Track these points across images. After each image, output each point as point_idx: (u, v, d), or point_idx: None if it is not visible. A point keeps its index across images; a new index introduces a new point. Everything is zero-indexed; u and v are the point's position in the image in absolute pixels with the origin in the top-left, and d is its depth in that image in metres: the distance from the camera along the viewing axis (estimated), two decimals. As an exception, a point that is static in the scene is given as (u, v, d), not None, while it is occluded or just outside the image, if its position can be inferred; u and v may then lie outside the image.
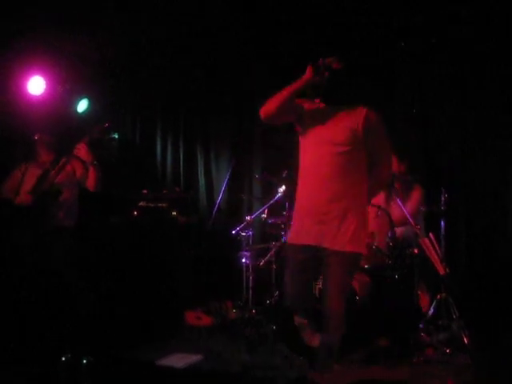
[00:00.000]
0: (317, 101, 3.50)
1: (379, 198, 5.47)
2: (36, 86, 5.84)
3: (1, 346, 4.30)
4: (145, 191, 6.08)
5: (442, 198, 4.84)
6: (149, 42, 6.51)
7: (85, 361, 3.89)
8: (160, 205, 6.07)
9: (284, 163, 5.52)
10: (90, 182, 4.88)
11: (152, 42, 6.52)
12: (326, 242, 3.37)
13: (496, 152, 5.58)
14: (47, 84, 5.88)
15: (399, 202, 4.96)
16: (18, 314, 4.56)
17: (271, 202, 5.56)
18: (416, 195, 5.32)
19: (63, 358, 3.90)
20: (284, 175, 5.53)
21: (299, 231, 3.47)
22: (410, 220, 4.87)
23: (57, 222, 4.76)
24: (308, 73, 3.28)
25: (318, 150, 3.40)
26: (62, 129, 5.47)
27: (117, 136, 6.45)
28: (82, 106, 6.26)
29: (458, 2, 5.39)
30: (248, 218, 5.68)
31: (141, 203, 6.02)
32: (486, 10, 5.28)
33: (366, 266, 4.91)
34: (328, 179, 3.37)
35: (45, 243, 4.69)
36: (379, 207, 4.94)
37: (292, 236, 3.56)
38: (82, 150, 4.76)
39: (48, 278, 4.68)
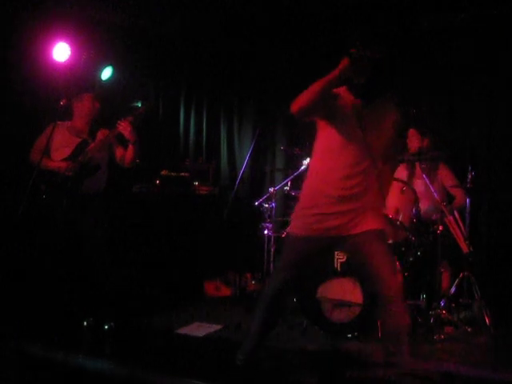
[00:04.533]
0: (342, 89, 3.30)
1: (402, 175, 5.43)
2: (61, 52, 5.82)
3: (25, 309, 4.36)
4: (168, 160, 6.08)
5: (469, 176, 4.77)
6: (174, 10, 6.43)
7: (106, 326, 3.94)
8: (182, 174, 6.07)
9: (309, 135, 5.45)
10: (128, 160, 4.84)
11: (177, 11, 6.44)
12: (353, 230, 3.25)
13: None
14: (72, 50, 5.85)
15: (426, 179, 4.90)
16: (44, 278, 4.62)
17: (295, 173, 5.50)
18: (445, 175, 5.26)
19: (85, 323, 3.96)
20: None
21: (318, 222, 3.29)
22: (437, 197, 4.81)
23: (86, 189, 4.77)
24: (342, 63, 3.05)
25: (353, 145, 3.23)
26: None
27: (140, 105, 6.44)
28: (107, 73, 6.24)
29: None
30: (271, 189, 5.63)
31: (163, 172, 6.02)
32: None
33: (389, 242, 4.88)
34: (356, 176, 3.24)
35: (75, 209, 4.71)
36: (405, 183, 4.88)
37: (303, 227, 3.36)
38: (127, 129, 4.70)
39: (76, 242, 4.71)
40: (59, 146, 4.84)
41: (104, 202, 4.93)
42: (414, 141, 5.33)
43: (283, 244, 3.54)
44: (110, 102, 5.92)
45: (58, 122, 4.85)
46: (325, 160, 3.34)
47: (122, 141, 4.90)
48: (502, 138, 5.57)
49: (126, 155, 4.85)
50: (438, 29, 5.64)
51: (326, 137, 3.34)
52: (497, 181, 5.48)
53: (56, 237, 4.65)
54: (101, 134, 4.94)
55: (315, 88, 3.11)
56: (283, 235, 5.38)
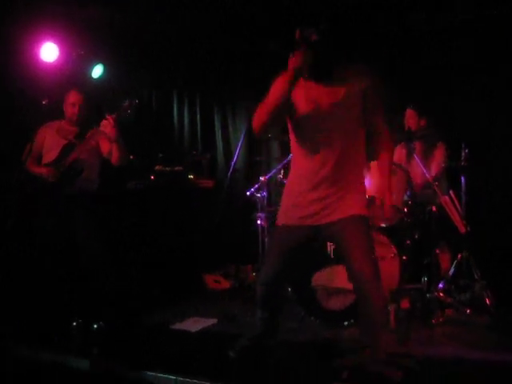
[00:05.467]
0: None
1: (400, 156, 5.33)
2: (49, 52, 5.79)
3: (15, 310, 4.34)
4: (161, 155, 6.02)
5: (463, 154, 4.66)
6: (164, 4, 6.36)
7: (95, 326, 3.91)
8: (176, 168, 6.02)
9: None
10: (114, 159, 4.74)
11: (167, 5, 6.37)
12: (329, 217, 3.19)
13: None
14: (60, 50, 5.82)
15: (418, 160, 4.79)
16: (35, 277, 4.59)
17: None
18: (439, 154, 5.15)
19: (74, 323, 3.93)
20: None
21: (294, 211, 3.28)
22: (428, 177, 4.70)
23: (76, 190, 4.73)
24: (291, 61, 2.98)
25: (318, 128, 3.17)
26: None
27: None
28: (97, 71, 6.21)
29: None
30: (262, 178, 5.54)
31: (157, 167, 5.97)
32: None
33: (383, 225, 4.78)
34: (330, 160, 3.16)
35: (66, 209, 4.67)
36: (396, 165, 4.77)
37: (288, 216, 3.34)
38: (108, 126, 4.60)
39: (67, 241, 4.67)
40: (48, 148, 4.81)
41: (97, 202, 4.89)
42: (410, 120, 5.25)
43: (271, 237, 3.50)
44: (102, 100, 5.90)
45: (48, 123, 4.85)
46: (296, 150, 3.31)
47: None
48: (497, 114, 5.45)
49: (113, 152, 4.75)
50: (438, 29, 5.60)
51: (293, 127, 3.31)
52: (492, 157, 5.35)
53: (46, 239, 4.63)
54: (90, 135, 4.85)
55: (274, 96, 3.06)
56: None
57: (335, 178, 3.19)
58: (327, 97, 3.15)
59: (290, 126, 3.33)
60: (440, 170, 5.13)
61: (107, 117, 4.61)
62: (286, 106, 3.12)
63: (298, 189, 3.28)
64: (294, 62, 2.98)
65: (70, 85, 5.36)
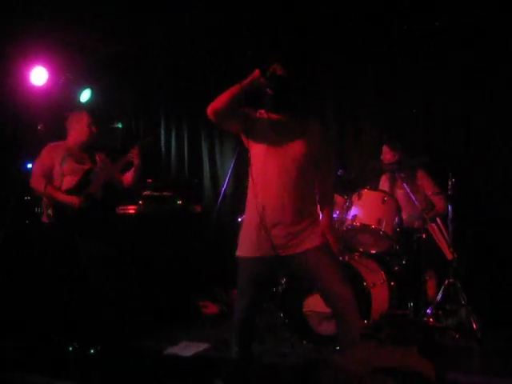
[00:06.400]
0: (262, 111, 3.41)
1: (384, 186, 5.47)
2: (38, 76, 5.83)
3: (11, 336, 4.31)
4: (149, 180, 6.05)
5: (449, 183, 4.80)
6: (153, 32, 6.45)
7: (92, 351, 3.91)
8: (165, 194, 6.06)
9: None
10: (132, 181, 4.98)
11: (156, 32, 6.46)
12: (295, 249, 3.29)
13: (504, 135, 5.52)
14: (50, 74, 5.86)
15: (406, 188, 4.94)
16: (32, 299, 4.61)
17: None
18: (427, 186, 5.30)
19: (71, 348, 3.93)
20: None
21: (257, 243, 3.32)
22: (418, 205, 4.85)
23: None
24: (255, 73, 3.20)
25: (279, 161, 3.28)
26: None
27: (121, 125, 6.45)
28: (85, 95, 6.26)
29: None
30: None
31: (145, 192, 6.00)
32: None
33: (373, 252, 4.90)
34: (291, 190, 3.28)
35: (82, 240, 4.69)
36: (386, 193, 4.92)
37: (249, 249, 3.38)
38: (138, 156, 4.91)
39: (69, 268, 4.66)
40: (64, 173, 4.67)
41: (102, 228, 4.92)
42: (386, 156, 5.44)
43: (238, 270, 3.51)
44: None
45: (52, 145, 4.76)
46: (256, 181, 3.35)
47: None
48: (482, 143, 5.61)
49: (132, 178, 4.96)
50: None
51: (253, 156, 3.38)
52: (479, 186, 5.51)
53: (52, 262, 4.61)
54: (99, 159, 4.88)
55: (228, 93, 3.24)
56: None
57: (296, 210, 3.29)
58: (289, 129, 3.33)
59: (251, 152, 3.41)
60: (428, 203, 5.28)
61: (134, 147, 4.92)
62: (235, 110, 3.29)
63: (259, 220, 3.30)
64: (256, 76, 3.21)
65: (65, 108, 5.39)
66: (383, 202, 4.76)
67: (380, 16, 5.46)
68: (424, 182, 5.31)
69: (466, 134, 5.65)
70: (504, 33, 5.23)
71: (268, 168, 3.31)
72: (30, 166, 5.68)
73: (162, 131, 7.29)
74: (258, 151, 3.36)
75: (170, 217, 6.03)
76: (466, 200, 4.92)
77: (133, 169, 4.93)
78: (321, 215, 3.49)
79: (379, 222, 4.67)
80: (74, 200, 4.60)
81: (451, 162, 4.92)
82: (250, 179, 3.41)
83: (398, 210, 4.81)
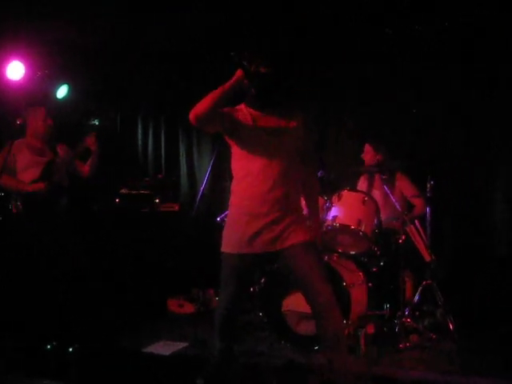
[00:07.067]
0: (242, 106, 3.42)
1: (363, 186, 5.52)
2: (15, 71, 5.73)
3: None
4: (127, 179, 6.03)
5: (428, 185, 4.86)
6: (131, 28, 6.39)
7: (71, 349, 3.87)
8: (143, 192, 6.03)
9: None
10: (91, 171, 5.06)
11: (134, 28, 6.40)
12: (278, 245, 3.29)
13: (482, 138, 5.62)
14: (26, 69, 5.76)
15: (387, 190, 4.99)
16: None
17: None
18: (406, 189, 5.36)
19: (49, 347, 3.88)
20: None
21: (242, 240, 3.32)
22: (397, 207, 4.90)
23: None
24: (238, 74, 3.19)
25: (263, 156, 3.29)
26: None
27: (97, 122, 6.38)
28: (62, 91, 6.17)
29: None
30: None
31: (122, 190, 5.96)
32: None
33: (352, 253, 4.93)
34: (277, 186, 3.28)
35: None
36: (366, 194, 4.95)
37: (234, 245, 3.36)
38: (95, 143, 5.00)
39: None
40: (25, 166, 4.79)
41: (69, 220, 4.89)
42: (368, 155, 5.49)
43: (221, 264, 3.49)
44: (67, 120, 5.88)
45: (15, 141, 4.79)
46: (241, 178, 3.38)
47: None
48: (460, 145, 5.70)
49: (90, 166, 5.04)
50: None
51: (236, 154, 3.40)
52: (457, 189, 5.59)
53: (26, 255, 4.57)
54: (60, 150, 4.98)
55: (211, 96, 3.20)
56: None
57: (281, 205, 3.29)
58: (273, 124, 3.34)
59: (234, 150, 3.42)
60: (405, 204, 5.35)
61: (89, 135, 5.00)
62: (217, 112, 3.25)
63: (244, 216, 3.33)
64: (238, 77, 3.20)
65: (35, 103, 5.35)
66: (363, 202, 4.79)
67: (380, 16, 5.45)
68: (403, 183, 5.37)
69: (466, 134, 5.71)
70: (504, 33, 5.28)
71: (252, 164, 3.30)
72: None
73: (140, 130, 7.25)
74: (241, 149, 3.35)
75: (147, 215, 5.99)
76: (443, 202, 4.99)
77: (94, 157, 5.03)
78: (305, 210, 3.54)
79: (359, 222, 4.70)
80: (39, 185, 4.71)
81: (430, 165, 4.95)
82: (234, 176, 3.43)
83: (378, 211, 4.85)
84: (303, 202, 3.57)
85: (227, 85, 3.20)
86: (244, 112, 3.38)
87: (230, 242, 3.39)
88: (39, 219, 4.65)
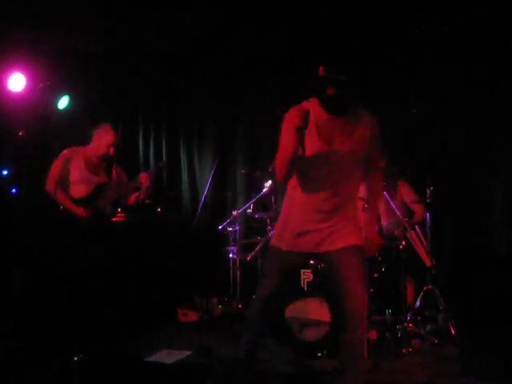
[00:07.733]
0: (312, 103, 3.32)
1: (362, 192, 5.53)
2: (16, 82, 5.77)
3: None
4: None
5: (428, 191, 4.89)
6: (131, 38, 6.43)
7: (76, 358, 3.88)
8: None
9: (270, 158, 5.48)
10: (135, 202, 5.03)
11: (134, 28, 6.41)
12: (329, 246, 3.31)
13: (482, 138, 5.66)
14: (28, 81, 5.81)
15: (387, 196, 5.01)
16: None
17: (258, 196, 5.54)
18: (407, 195, 5.39)
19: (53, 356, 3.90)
20: (271, 170, 5.48)
21: (296, 238, 3.35)
22: (398, 213, 4.92)
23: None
24: (290, 120, 3.16)
25: (326, 159, 3.24)
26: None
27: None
28: (63, 102, 6.20)
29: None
30: (235, 212, 5.66)
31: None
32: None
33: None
34: (336, 194, 3.29)
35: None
36: (366, 200, 4.96)
37: (288, 242, 3.39)
38: (147, 183, 4.90)
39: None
40: (78, 181, 4.75)
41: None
42: None
43: (266, 257, 3.53)
44: (68, 132, 5.92)
45: (73, 149, 4.82)
46: (303, 180, 3.36)
47: None
48: (460, 151, 5.73)
49: (135, 199, 4.98)
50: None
51: (301, 158, 3.30)
52: (457, 194, 5.62)
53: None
54: (115, 174, 4.97)
55: (284, 153, 3.18)
56: (248, 258, 5.41)
57: (338, 210, 3.31)
58: (340, 133, 3.26)
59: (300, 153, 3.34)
60: (406, 211, 5.37)
61: (146, 173, 5.01)
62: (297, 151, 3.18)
63: (299, 217, 3.35)
64: (296, 120, 3.11)
65: (37, 115, 5.37)
66: (363, 209, 4.81)
67: (380, 16, 5.47)
68: (404, 190, 5.40)
69: (466, 134, 5.74)
70: (504, 33, 5.31)
71: (314, 167, 3.27)
72: (5, 172, 5.72)
73: (141, 142, 7.28)
74: (306, 151, 3.22)
75: (150, 225, 6.02)
76: (444, 208, 5.01)
77: (140, 191, 4.94)
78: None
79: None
80: (81, 212, 4.66)
81: (430, 165, 4.97)
82: (297, 174, 3.36)
83: (378, 217, 4.88)
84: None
85: (295, 125, 3.10)
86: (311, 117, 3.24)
87: (283, 237, 3.41)
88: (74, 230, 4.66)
